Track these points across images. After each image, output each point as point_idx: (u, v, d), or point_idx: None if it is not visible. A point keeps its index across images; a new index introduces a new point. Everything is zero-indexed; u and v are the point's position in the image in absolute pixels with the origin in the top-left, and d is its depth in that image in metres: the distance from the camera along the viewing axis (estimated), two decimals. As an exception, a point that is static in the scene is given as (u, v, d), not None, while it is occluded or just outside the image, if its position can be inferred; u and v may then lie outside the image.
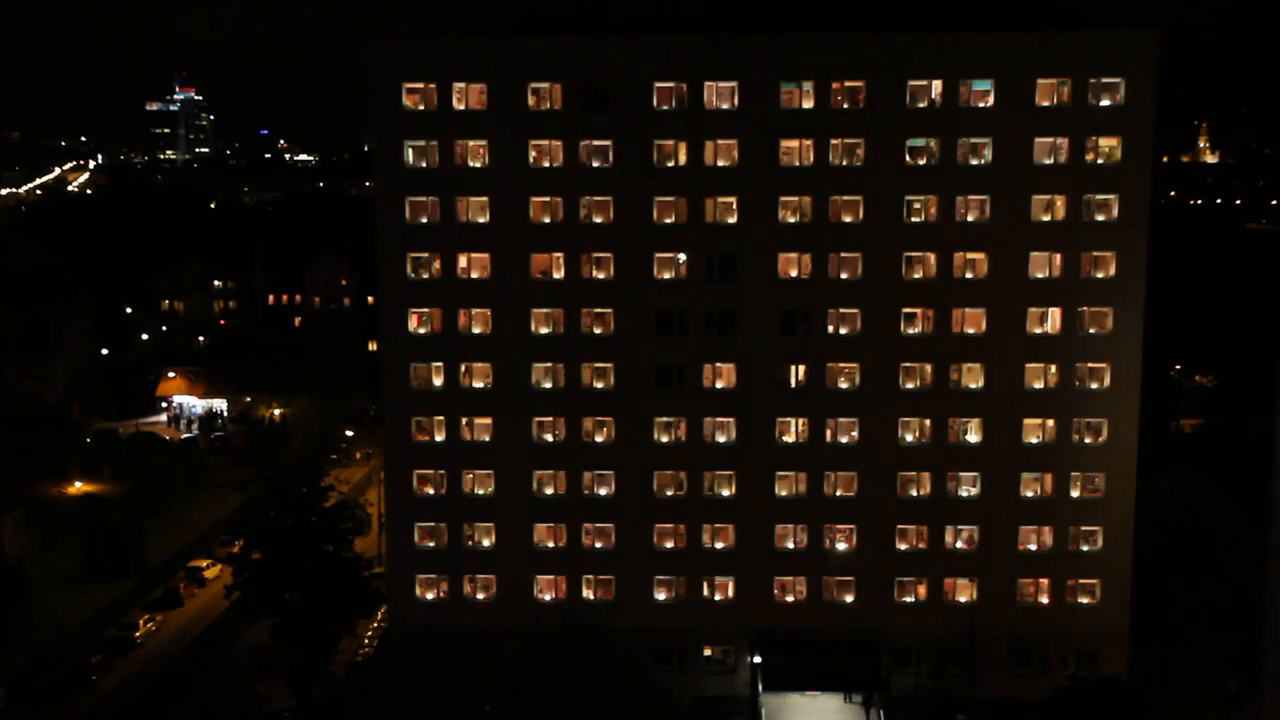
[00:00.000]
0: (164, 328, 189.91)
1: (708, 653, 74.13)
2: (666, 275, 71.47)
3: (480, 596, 74.33)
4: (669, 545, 73.39)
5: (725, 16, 74.50)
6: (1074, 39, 69.28)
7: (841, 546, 73.03)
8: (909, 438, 71.99)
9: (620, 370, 72.18)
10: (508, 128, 70.83)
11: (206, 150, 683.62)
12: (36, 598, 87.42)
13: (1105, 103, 69.50)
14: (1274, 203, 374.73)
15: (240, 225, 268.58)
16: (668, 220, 71.06)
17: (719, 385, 72.02)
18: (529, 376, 72.45)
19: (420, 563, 74.20)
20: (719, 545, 73.26)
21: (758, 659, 72.01)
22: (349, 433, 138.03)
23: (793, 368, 71.89)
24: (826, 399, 71.80)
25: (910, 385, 71.61)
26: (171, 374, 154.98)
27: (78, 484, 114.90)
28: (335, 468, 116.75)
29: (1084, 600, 72.48)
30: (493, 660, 70.48)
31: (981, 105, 69.56)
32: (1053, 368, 70.91)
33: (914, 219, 70.42)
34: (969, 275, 70.69)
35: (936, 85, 69.38)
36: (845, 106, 69.80)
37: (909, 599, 72.80)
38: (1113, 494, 71.66)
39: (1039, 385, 71.09)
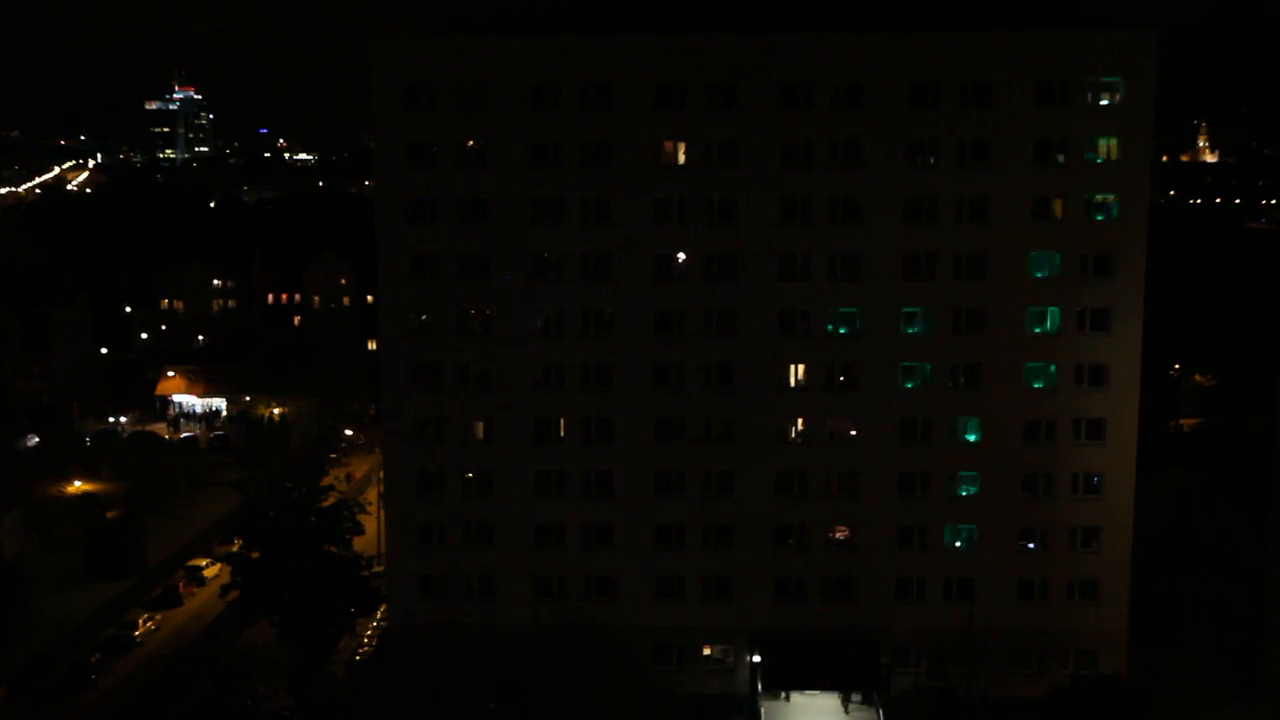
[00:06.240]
0: (163, 327, 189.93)
1: (707, 652, 74.13)
2: (667, 274, 71.42)
3: (480, 595, 74.26)
4: (669, 544, 73.35)
5: (722, 15, 74.34)
6: (1073, 39, 69.29)
7: (841, 546, 73.03)
8: (908, 437, 71.95)
9: (620, 369, 72.19)
10: (508, 127, 70.84)
11: (206, 149, 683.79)
12: (36, 597, 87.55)
13: (1105, 102, 69.53)
14: (1273, 202, 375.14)
15: (239, 224, 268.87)
16: (668, 219, 71.05)
17: (718, 384, 71.98)
18: (528, 375, 72.45)
19: (420, 562, 74.16)
20: (719, 545, 73.22)
21: (757, 658, 72.03)
22: (348, 432, 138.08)
23: (792, 367, 71.93)
24: (826, 398, 71.82)
25: (910, 384, 71.65)
26: (171, 373, 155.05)
27: (77, 483, 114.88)
28: (335, 467, 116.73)
29: (1084, 600, 72.44)
30: (493, 659, 70.53)
31: (981, 105, 69.56)
32: (1053, 367, 70.91)
33: (913, 218, 70.42)
34: (969, 274, 70.68)
35: (936, 85, 69.38)
36: (846, 106, 69.79)
37: (909, 599, 72.79)
38: (1113, 493, 71.64)
39: (1039, 385, 71.10)
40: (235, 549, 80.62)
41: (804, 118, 69.88)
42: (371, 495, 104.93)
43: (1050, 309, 70.62)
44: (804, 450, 72.37)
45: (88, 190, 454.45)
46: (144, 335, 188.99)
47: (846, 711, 70.53)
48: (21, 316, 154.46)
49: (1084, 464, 71.56)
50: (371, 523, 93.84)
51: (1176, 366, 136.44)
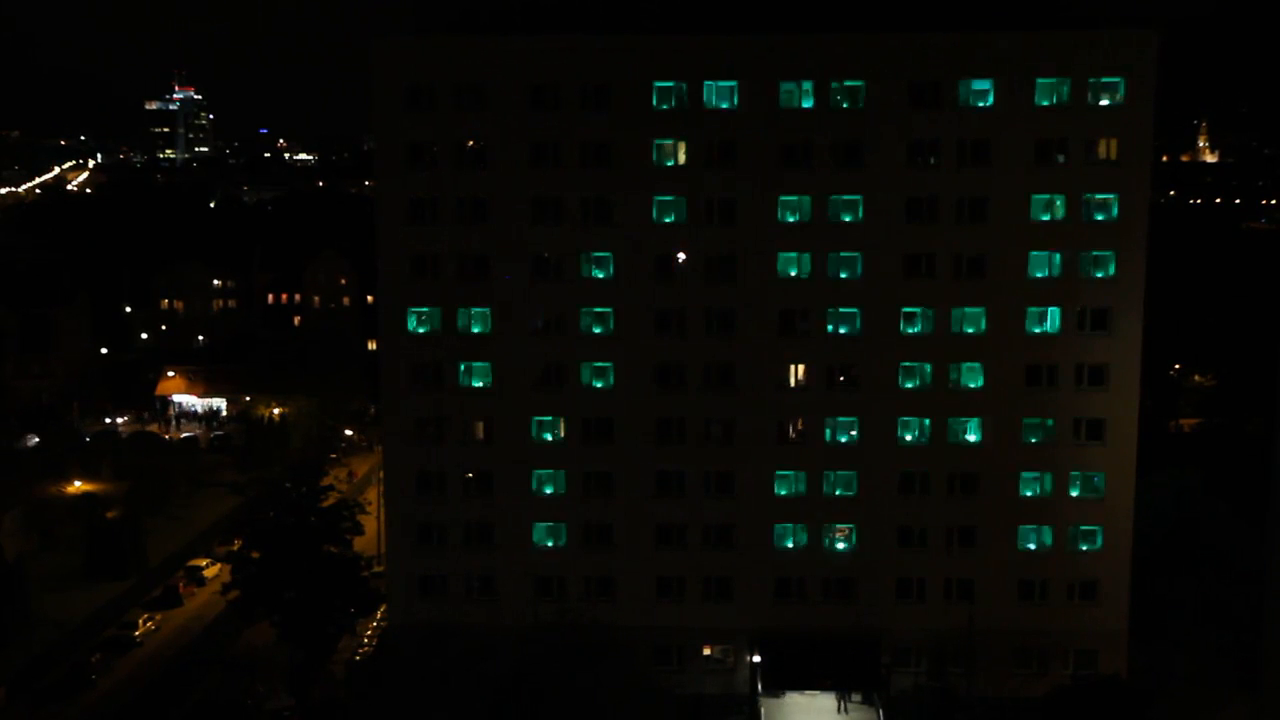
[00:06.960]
0: (163, 327, 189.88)
1: (707, 652, 74.14)
2: (666, 274, 71.40)
3: (480, 595, 74.25)
4: (669, 544, 73.35)
5: (724, 16, 74.46)
6: (1074, 39, 69.29)
7: (841, 546, 73.04)
8: (909, 437, 71.97)
9: (619, 369, 72.18)
10: (508, 127, 70.83)
11: (206, 149, 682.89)
12: (36, 597, 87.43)
13: (1105, 102, 69.51)
14: (1273, 202, 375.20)
15: (239, 224, 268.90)
16: (667, 219, 71.07)
17: (718, 384, 71.95)
18: (528, 374, 72.44)
19: (420, 561, 74.14)
20: (719, 545, 73.21)
21: (757, 658, 72.02)
22: (348, 432, 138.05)
23: (792, 367, 71.94)
24: (826, 398, 71.81)
25: (910, 384, 71.63)
26: (171, 373, 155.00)
27: (77, 483, 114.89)
28: (335, 467, 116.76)
29: (1084, 600, 72.43)
30: (493, 659, 70.51)
31: (981, 105, 69.59)
32: (1053, 367, 70.89)
33: (914, 218, 70.42)
34: (969, 274, 70.68)
35: (937, 85, 69.39)
36: (845, 106, 69.86)
37: (909, 599, 72.77)
38: (1112, 493, 71.64)
39: (1039, 385, 71.06)
40: (235, 549, 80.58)
41: (804, 117, 69.88)
42: (371, 495, 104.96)
43: (1050, 309, 70.62)
44: (804, 450, 72.35)
45: (88, 190, 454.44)
46: (144, 335, 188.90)
47: (845, 711, 70.55)
48: (21, 316, 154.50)
49: (1084, 464, 71.58)
50: (371, 523, 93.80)
51: (1176, 366, 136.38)
